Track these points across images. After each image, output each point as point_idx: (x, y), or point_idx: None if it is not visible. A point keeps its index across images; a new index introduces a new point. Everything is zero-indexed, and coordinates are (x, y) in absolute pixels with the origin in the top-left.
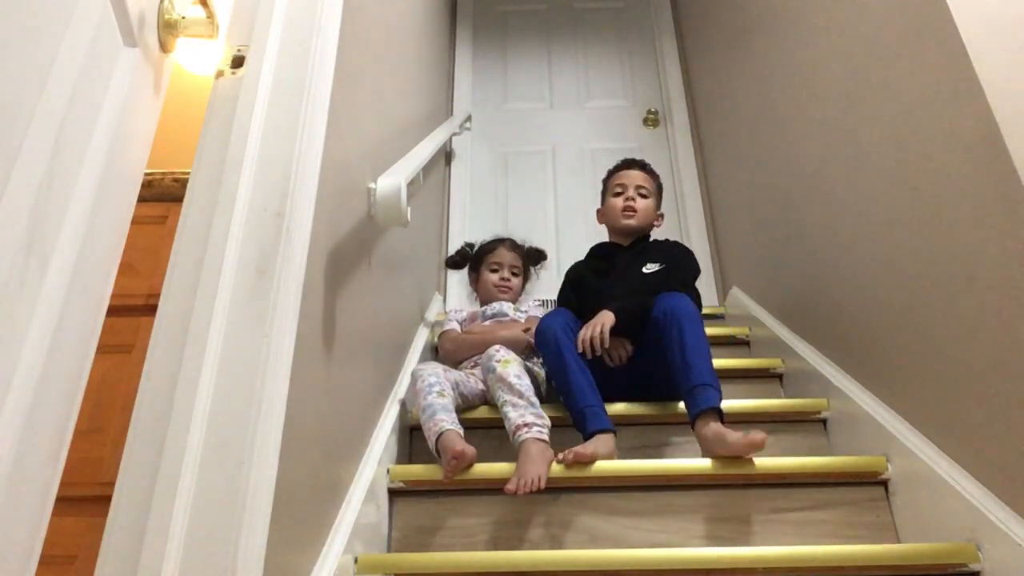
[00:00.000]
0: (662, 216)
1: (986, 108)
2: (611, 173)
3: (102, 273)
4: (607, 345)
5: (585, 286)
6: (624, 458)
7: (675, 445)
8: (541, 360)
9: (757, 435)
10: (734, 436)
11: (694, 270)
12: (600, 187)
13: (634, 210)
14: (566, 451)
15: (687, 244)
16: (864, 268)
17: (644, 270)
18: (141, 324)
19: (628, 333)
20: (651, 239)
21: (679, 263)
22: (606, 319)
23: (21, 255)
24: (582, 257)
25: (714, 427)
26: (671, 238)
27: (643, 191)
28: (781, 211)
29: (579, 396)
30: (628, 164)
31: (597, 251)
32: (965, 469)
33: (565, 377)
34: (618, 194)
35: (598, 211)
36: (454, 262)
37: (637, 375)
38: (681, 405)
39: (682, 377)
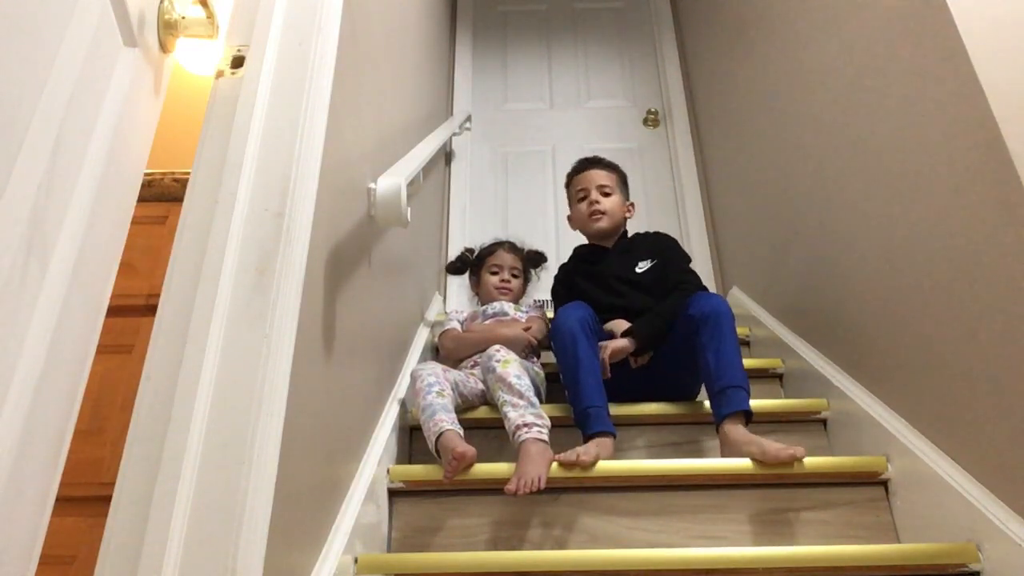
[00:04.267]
0: (632, 205)
1: (986, 108)
2: (570, 178)
3: (102, 273)
4: (611, 364)
5: (580, 290)
6: (638, 457)
7: (685, 445)
8: (541, 360)
9: (797, 450)
10: (774, 446)
11: (685, 260)
12: None
13: (601, 212)
14: (567, 452)
15: (687, 244)
16: (864, 268)
17: (637, 269)
18: (141, 324)
19: (653, 347)
20: (630, 235)
21: (669, 256)
22: (623, 346)
23: (21, 255)
24: None
25: (743, 430)
26: (667, 237)
27: (606, 189)
28: (781, 211)
29: (585, 395)
30: (584, 165)
31: (582, 254)
32: (965, 469)
33: (575, 374)
34: (582, 199)
35: (568, 218)
36: (455, 267)
37: (652, 373)
38: (701, 404)
39: (714, 377)
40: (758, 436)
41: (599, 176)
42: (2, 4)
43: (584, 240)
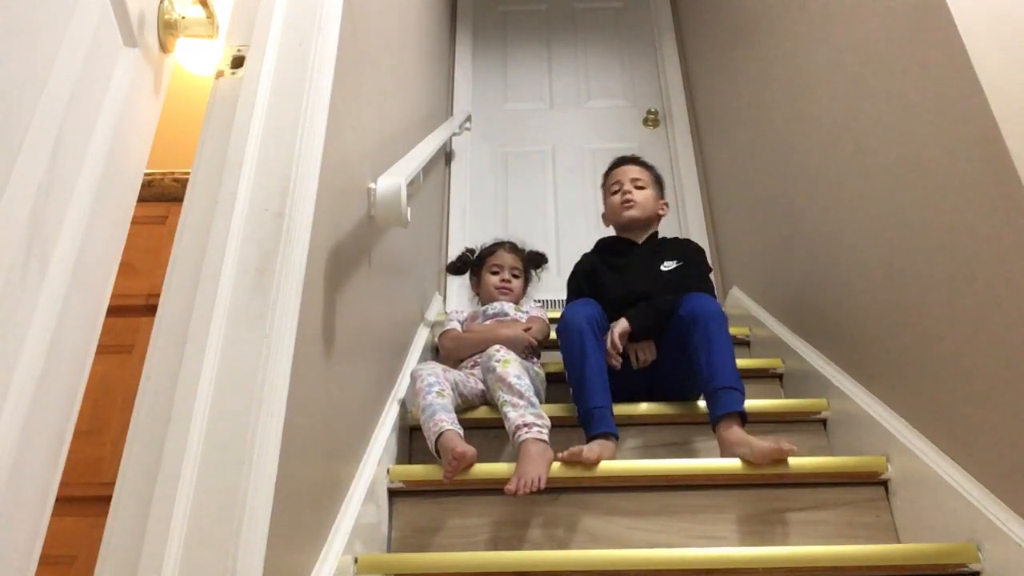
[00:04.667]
0: (666, 204)
1: (986, 108)
2: (606, 174)
3: (102, 273)
4: (620, 350)
5: (600, 281)
6: (637, 457)
7: (685, 445)
8: (541, 360)
9: (786, 444)
10: (761, 445)
11: (707, 268)
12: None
13: (633, 201)
14: (570, 449)
15: None
16: (864, 268)
17: (663, 267)
18: (141, 324)
19: (650, 334)
20: (661, 236)
21: (693, 259)
22: (620, 326)
23: (21, 255)
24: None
25: (738, 431)
26: (696, 245)
27: (639, 183)
28: (781, 211)
29: (590, 395)
30: (620, 161)
31: (611, 246)
32: (965, 469)
33: (581, 372)
34: (615, 191)
35: (603, 215)
36: (456, 268)
37: (654, 373)
38: (700, 404)
39: (706, 378)
40: (751, 436)
41: (632, 171)
42: (2, 4)
43: (600, 237)
